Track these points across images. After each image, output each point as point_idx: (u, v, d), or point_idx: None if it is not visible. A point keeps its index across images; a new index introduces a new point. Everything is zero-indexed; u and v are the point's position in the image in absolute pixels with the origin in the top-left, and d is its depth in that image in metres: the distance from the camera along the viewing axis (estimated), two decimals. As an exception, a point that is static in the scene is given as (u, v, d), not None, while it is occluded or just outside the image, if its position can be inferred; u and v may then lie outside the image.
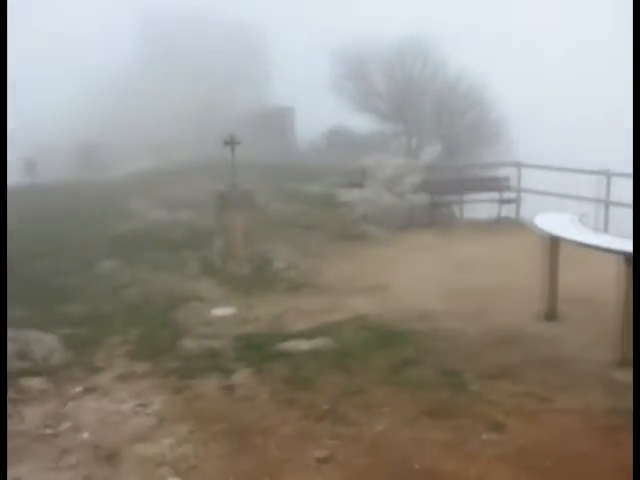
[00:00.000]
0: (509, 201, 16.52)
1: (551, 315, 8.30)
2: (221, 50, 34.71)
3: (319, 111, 29.85)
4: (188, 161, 23.11)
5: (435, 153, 28.45)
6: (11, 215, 15.34)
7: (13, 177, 25.93)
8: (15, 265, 11.24)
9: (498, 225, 15.82)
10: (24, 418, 5.83)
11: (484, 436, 5.20)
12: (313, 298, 9.74)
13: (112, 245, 12.52)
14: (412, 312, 8.83)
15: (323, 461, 4.86)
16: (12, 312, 8.84)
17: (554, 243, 8.19)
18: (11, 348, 7.34)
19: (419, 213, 15.71)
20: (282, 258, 11.92)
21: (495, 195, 16.60)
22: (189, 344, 7.67)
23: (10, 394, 6.29)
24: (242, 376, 6.57)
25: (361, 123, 30.84)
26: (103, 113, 33.27)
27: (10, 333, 7.81)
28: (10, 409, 5.97)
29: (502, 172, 18.60)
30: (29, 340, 7.64)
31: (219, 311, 8.94)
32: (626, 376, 6.01)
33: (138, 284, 10.59)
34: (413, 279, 10.67)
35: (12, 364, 7.02)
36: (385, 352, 7.18)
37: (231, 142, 11.39)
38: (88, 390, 6.42)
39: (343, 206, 15.44)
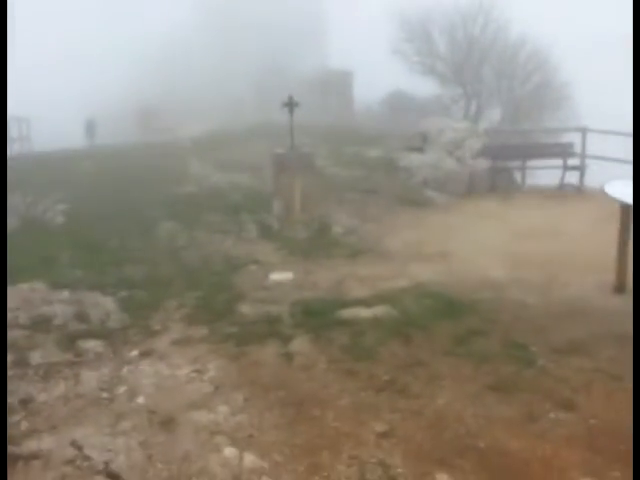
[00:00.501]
0: (573, 168, 15.87)
1: (621, 287, 7.86)
2: (282, 11, 34.30)
3: (379, 74, 29.30)
4: (250, 123, 22.95)
5: (495, 118, 27.73)
6: (73, 176, 15.53)
7: (74, 139, 26.26)
8: (77, 228, 11.37)
9: (562, 193, 15.24)
10: (81, 381, 5.71)
11: (552, 415, 4.88)
12: (373, 265, 9.45)
13: (172, 208, 12.42)
14: (475, 281, 8.50)
15: (383, 435, 4.62)
16: (71, 274, 8.86)
17: (625, 212, 7.73)
18: (69, 310, 7.29)
19: (480, 178, 15.22)
20: (341, 223, 11.66)
21: (559, 161, 15.96)
22: (246, 309, 7.48)
23: (68, 356, 6.21)
24: (300, 343, 6.35)
25: (421, 87, 30.23)
26: (164, 75, 33.31)
27: (67, 295, 7.78)
28: (67, 371, 5.89)
29: (566, 138, 17.95)
30: (86, 302, 7.56)
31: (276, 276, 8.72)
32: None
33: (196, 247, 10.47)
34: (475, 247, 10.29)
35: (70, 326, 6.95)
36: (448, 322, 6.87)
37: (290, 104, 11.08)
38: (144, 354, 6.28)
39: (403, 171, 15.07)
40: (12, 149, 22.32)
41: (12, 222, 11.91)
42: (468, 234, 11.17)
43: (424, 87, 29.97)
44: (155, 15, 34.85)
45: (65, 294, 7.80)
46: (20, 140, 23.96)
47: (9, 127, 22.42)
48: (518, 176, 16.61)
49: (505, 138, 18.44)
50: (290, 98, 11.10)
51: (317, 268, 9.25)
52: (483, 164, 15.43)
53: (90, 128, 26.21)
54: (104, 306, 7.59)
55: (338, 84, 34.58)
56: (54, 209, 12.51)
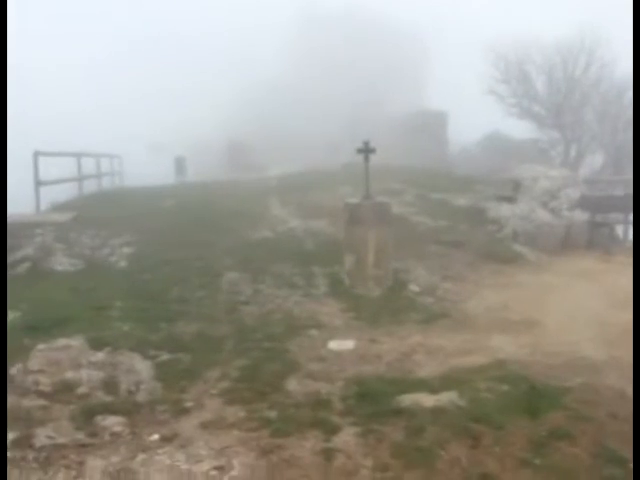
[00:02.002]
0: (683, 223, 14.23)
1: None
2: (377, 50, 33.69)
3: (474, 117, 28.15)
4: (340, 165, 22.17)
5: (596, 164, 26.03)
6: (151, 215, 15.04)
7: (167, 176, 26.19)
8: (139, 274, 10.69)
9: (670, 250, 13.61)
10: (83, 471, 4.85)
11: None
12: (448, 333, 8.29)
13: (242, 254, 11.65)
14: (565, 360, 7.23)
15: None
16: (117, 328, 8.12)
17: None
18: (97, 376, 6.48)
19: (577, 233, 13.79)
20: (418, 280, 10.56)
21: (667, 216, 14.35)
22: (294, 386, 6.48)
23: (79, 436, 5.37)
24: (345, 438, 5.29)
25: (517, 129, 28.89)
26: (259, 113, 33.13)
27: (102, 356, 6.99)
28: (73, 457, 5.04)
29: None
30: (120, 367, 6.73)
31: (336, 344, 7.70)
32: None
33: (259, 302, 9.60)
34: (568, 315, 8.98)
35: (93, 397, 6.13)
36: (527, 418, 5.67)
37: (365, 150, 10.10)
38: (166, 439, 5.36)
39: (492, 222, 13.82)
40: (102, 183, 22.34)
41: (77, 264, 11.42)
42: (560, 299, 9.84)
43: (521, 129, 28.62)
44: (253, 54, 34.88)
45: (100, 355, 6.99)
46: (112, 175, 23.97)
47: (101, 163, 22.47)
48: (620, 231, 15.06)
49: (606, 188, 16.90)
50: (365, 144, 10.14)
51: (384, 336, 8.18)
52: (581, 217, 14.01)
53: (180, 165, 26.06)
54: (138, 372, 6.75)
55: (432, 125, 33.57)
56: (120, 252, 11.93)
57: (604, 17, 25.17)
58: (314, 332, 8.30)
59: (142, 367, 6.90)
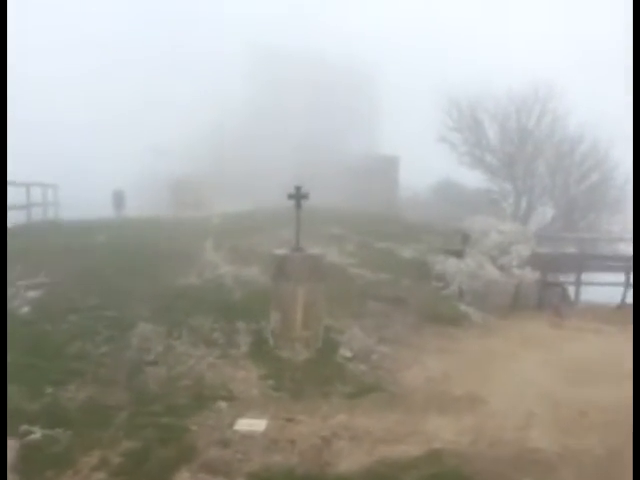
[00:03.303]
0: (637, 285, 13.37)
1: None
2: (332, 91, 32.98)
3: (426, 162, 27.43)
4: (286, 207, 21.02)
5: (547, 217, 25.41)
6: (75, 252, 13.70)
7: (105, 208, 24.76)
8: (40, 324, 9.38)
9: (623, 314, 12.69)
10: None
11: None
12: (379, 411, 7.14)
13: (161, 303, 10.40)
14: (513, 452, 6.17)
15: None
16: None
17: None
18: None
19: (527, 292, 12.82)
20: (352, 342, 9.41)
21: (620, 276, 13.51)
22: (185, 482, 5.25)
23: None
24: None
25: (469, 178, 28.23)
26: (204, 150, 32.06)
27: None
28: None
29: (628, 247, 15.50)
30: (-27, 453, 5.41)
31: (245, 424, 6.49)
32: None
33: (168, 362, 8.37)
34: (516, 391, 7.93)
35: None
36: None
37: (297, 195, 8.98)
38: None
39: (438, 278, 12.78)
40: (32, 214, 20.79)
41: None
42: (508, 370, 8.78)
43: (473, 178, 27.98)
44: (201, 88, 33.88)
45: (-48, 434, 5.66)
46: (44, 206, 22.42)
47: (32, 192, 21.00)
48: (572, 292, 14.16)
49: (558, 245, 16.07)
50: (297, 189, 9.01)
51: (303, 413, 6.99)
52: (531, 275, 13.06)
53: (118, 199, 24.66)
54: (-5, 460, 5.42)
55: (384, 169, 32.86)
56: (24, 296, 10.57)
57: (557, 70, 24.83)
58: (223, 405, 7.09)
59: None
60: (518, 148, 24.54)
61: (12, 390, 7.04)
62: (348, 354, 8.89)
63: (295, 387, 7.67)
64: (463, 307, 11.85)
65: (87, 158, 30.52)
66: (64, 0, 37.36)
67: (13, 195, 19.68)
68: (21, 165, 24.58)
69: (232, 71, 34.49)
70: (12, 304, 10.18)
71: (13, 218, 18.93)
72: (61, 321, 9.47)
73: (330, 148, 32.43)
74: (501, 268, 13.13)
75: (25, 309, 10.02)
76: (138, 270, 12.33)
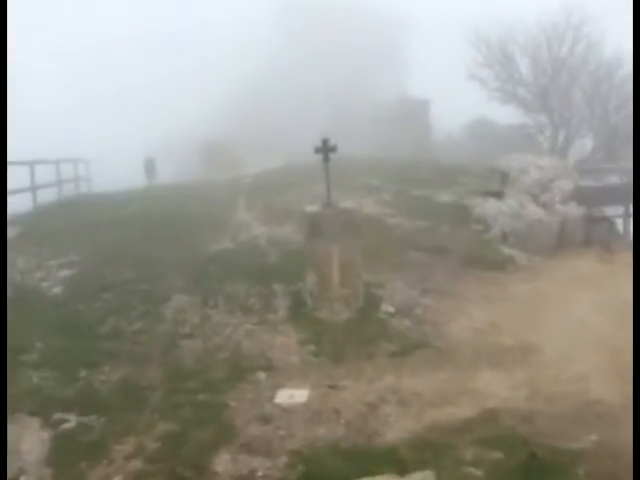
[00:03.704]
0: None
1: None
2: (357, 36, 32.04)
3: (457, 102, 26.52)
4: (318, 160, 20.44)
5: (586, 149, 24.40)
6: (105, 226, 13.43)
7: (137, 178, 24.50)
8: (72, 303, 9.10)
9: (677, 243, 12.01)
10: None
11: None
12: (427, 370, 6.70)
13: (195, 272, 10.06)
14: (573, 406, 5.69)
15: None
16: (28, 381, 6.53)
17: None
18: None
19: (572, 229, 12.15)
20: (394, 297, 8.96)
21: (671, 203, 12.74)
22: (224, 464, 4.94)
23: None
24: None
25: (502, 115, 27.27)
26: (235, 108, 31.52)
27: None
28: None
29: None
30: (10, 437, 5.12)
31: (286, 396, 6.10)
32: None
33: (205, 333, 8.01)
34: (571, 337, 7.42)
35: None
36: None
37: (324, 149, 8.45)
38: None
39: (478, 221, 12.19)
40: (64, 190, 20.57)
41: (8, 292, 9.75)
42: (559, 314, 8.25)
43: (506, 115, 27.03)
44: (229, 48, 33.23)
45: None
46: (76, 181, 22.20)
47: (63, 169, 20.76)
48: (620, 225, 13.43)
49: (601, 177, 15.26)
50: (324, 142, 8.47)
51: (347, 378, 6.58)
52: (576, 211, 12.35)
53: (149, 167, 24.33)
54: (26, 453, 5.15)
55: (415, 112, 32.05)
56: (56, 275, 10.31)
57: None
58: (262, 376, 6.71)
59: (34, 443, 5.30)
60: (552, 79, 23.50)
61: (45, 376, 6.80)
62: (390, 309, 8.45)
63: (337, 350, 7.26)
64: (506, 250, 11.28)
65: (116, 130, 30.26)
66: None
67: (44, 173, 19.51)
68: (51, 144, 24.45)
69: (259, 25, 33.74)
70: (43, 285, 9.94)
71: (44, 196, 18.78)
72: (94, 299, 9.18)
73: (361, 95, 31.72)
74: (544, 206, 12.49)
75: (57, 289, 9.75)
76: (171, 239, 12.00)
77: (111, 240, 12.11)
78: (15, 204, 16.61)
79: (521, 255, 11.11)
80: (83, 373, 6.90)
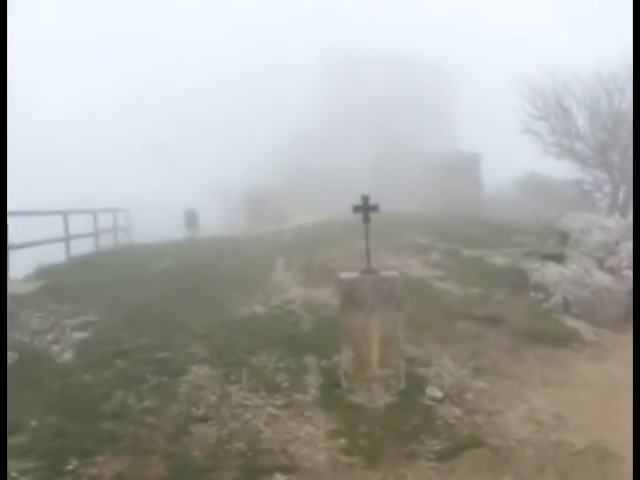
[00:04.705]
0: None
1: None
2: (406, 90, 31.37)
3: (509, 157, 25.40)
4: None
5: (650, 208, 22.88)
6: (131, 284, 12.52)
7: (176, 228, 23.81)
8: (80, 373, 8.09)
9: None
10: None
11: None
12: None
13: (221, 339, 9.08)
14: None
15: None
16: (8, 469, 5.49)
17: None
18: None
19: (642, 298, 10.74)
20: (441, 377, 7.74)
21: None
22: None
23: None
24: None
25: (555, 170, 26.01)
26: (281, 161, 30.95)
27: None
28: None
29: None
30: None
31: (305, 514, 4.91)
32: None
33: (221, 417, 6.88)
34: (655, 439, 6.03)
35: None
36: None
37: (364, 207, 7.36)
38: None
39: (537, 288, 10.90)
40: (101, 241, 19.88)
41: (10, 357, 8.81)
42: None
43: (559, 170, 25.76)
44: (275, 97, 32.84)
45: None
46: (114, 231, 21.55)
47: (103, 219, 20.14)
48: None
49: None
50: (364, 199, 7.38)
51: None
52: (650, 279, 10.93)
53: (190, 219, 23.64)
54: None
55: (465, 167, 31.14)
56: (69, 338, 9.35)
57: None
58: (281, 480, 5.53)
59: None
60: (611, 133, 22.16)
61: (27, 468, 5.75)
62: (438, 394, 7.21)
63: (372, 447, 6.04)
64: (570, 322, 9.95)
65: (158, 181, 29.88)
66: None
67: (82, 223, 18.90)
68: (92, 193, 24.00)
69: (306, 80, 33.40)
70: (53, 349, 8.98)
71: (80, 247, 18.10)
72: (104, 368, 8.17)
73: (410, 149, 30.95)
74: (610, 271, 11.15)
75: (67, 355, 8.77)
76: (199, 300, 11.06)
77: (135, 299, 11.23)
78: (48, 255, 15.93)
79: (587, 329, 9.77)
80: (72, 465, 5.81)
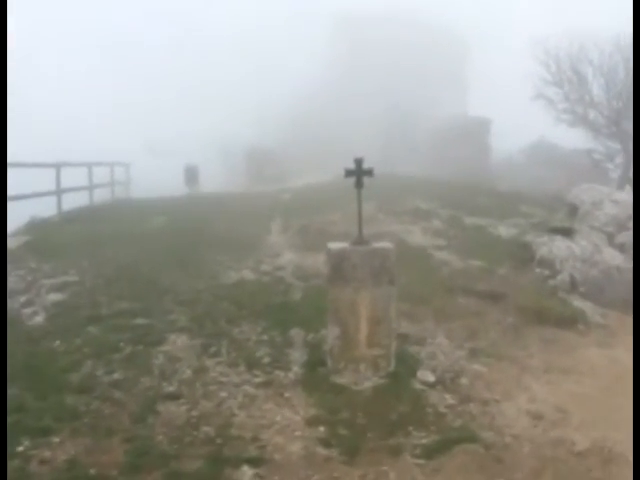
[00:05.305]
0: None
1: None
2: (416, 52, 30.47)
3: (520, 123, 24.54)
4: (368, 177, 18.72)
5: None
6: (123, 239, 11.95)
7: (177, 183, 23.16)
8: (49, 337, 7.51)
9: None
10: None
11: None
12: (467, 482, 4.85)
13: (204, 307, 8.45)
14: None
15: None
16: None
17: None
18: None
19: (654, 277, 10.05)
20: (435, 358, 7.13)
21: None
22: None
23: None
24: None
25: (566, 139, 25.19)
26: (287, 120, 30.16)
27: None
28: None
29: None
30: None
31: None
32: None
33: (194, 394, 6.28)
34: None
35: None
36: None
37: (357, 172, 6.66)
38: None
39: (543, 264, 10.22)
40: (96, 196, 19.26)
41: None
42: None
43: (570, 138, 24.91)
44: (285, 58, 31.94)
45: None
46: (112, 185, 20.89)
47: (96, 173, 19.45)
48: None
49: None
50: (357, 163, 6.67)
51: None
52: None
53: (190, 175, 22.96)
54: None
55: (475, 132, 30.35)
56: (43, 300, 8.75)
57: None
58: (247, 473, 4.93)
59: None
60: (627, 102, 21.20)
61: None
62: (430, 378, 6.60)
63: (353, 438, 5.44)
64: (576, 302, 9.28)
65: (162, 135, 29.19)
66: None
67: (78, 177, 18.28)
68: (93, 145, 23.32)
69: (314, 39, 32.48)
70: (25, 312, 8.38)
71: (74, 201, 17.51)
72: (76, 335, 7.59)
73: (419, 112, 30.17)
74: (621, 249, 10.45)
75: (38, 318, 8.18)
76: (187, 263, 10.45)
77: (121, 258, 10.65)
78: (38, 210, 15.34)
79: (594, 310, 9.10)
80: (24, 445, 5.23)
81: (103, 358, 6.98)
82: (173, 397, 6.20)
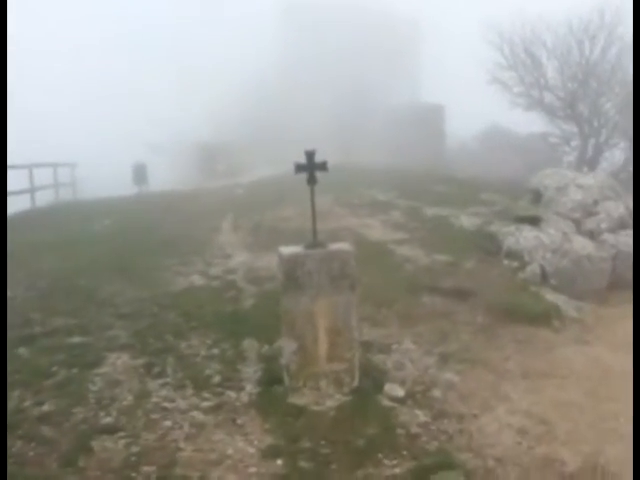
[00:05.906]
0: None
1: None
2: (368, 37, 29.81)
3: (474, 108, 24.08)
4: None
5: (617, 161, 21.79)
6: (64, 250, 11.06)
7: (125, 183, 22.18)
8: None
9: None
10: None
11: None
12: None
13: (147, 319, 7.64)
14: None
15: None
16: None
17: None
18: None
19: (625, 267, 9.50)
20: (403, 370, 6.44)
21: None
22: None
23: None
24: None
25: (520, 123, 24.83)
26: (237, 112, 29.27)
27: None
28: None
29: None
30: None
31: None
32: None
33: (135, 425, 5.50)
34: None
35: None
36: None
37: (309, 166, 5.91)
38: None
39: (510, 255, 9.63)
40: (39, 198, 18.21)
41: None
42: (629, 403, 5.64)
43: (526, 123, 24.55)
44: (230, 47, 31.03)
45: None
46: (55, 188, 19.84)
47: (38, 174, 18.41)
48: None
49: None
50: (309, 155, 5.91)
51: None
52: (630, 242, 9.72)
53: (139, 173, 21.99)
54: None
55: (429, 118, 29.84)
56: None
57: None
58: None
59: None
60: (582, 84, 20.84)
61: None
62: (399, 392, 5.92)
63: (316, 472, 4.73)
64: (549, 295, 8.70)
65: (108, 133, 28.14)
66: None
67: (21, 179, 17.28)
68: (37, 147, 22.17)
69: (261, 28, 31.62)
70: (-51, 334, 7.46)
71: (16, 204, 16.49)
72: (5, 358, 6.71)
73: (371, 99, 29.56)
74: (590, 235, 9.91)
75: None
76: (130, 270, 9.64)
77: (58, 268, 9.80)
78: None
79: (568, 303, 8.52)
80: None
81: (33, 386, 6.17)
82: (110, 430, 5.41)
